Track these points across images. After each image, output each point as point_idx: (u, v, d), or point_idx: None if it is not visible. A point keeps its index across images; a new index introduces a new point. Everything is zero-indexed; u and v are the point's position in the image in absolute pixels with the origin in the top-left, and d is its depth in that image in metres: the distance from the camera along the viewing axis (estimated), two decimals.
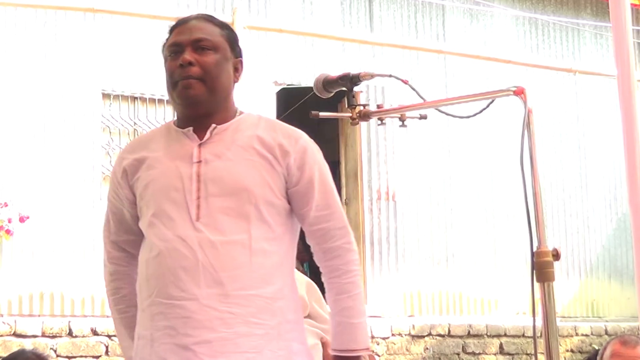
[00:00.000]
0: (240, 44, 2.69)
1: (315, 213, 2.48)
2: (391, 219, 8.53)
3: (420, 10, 8.99)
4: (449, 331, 8.13)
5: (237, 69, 2.59)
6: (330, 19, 8.56)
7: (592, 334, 8.85)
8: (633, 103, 2.30)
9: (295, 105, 8.48)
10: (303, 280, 2.93)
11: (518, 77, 8.96)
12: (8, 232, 6.87)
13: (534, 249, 2.18)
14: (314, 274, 9.42)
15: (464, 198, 8.88)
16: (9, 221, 6.88)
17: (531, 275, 2.18)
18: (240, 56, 2.62)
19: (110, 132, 7.54)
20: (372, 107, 2.70)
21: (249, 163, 2.44)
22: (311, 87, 2.77)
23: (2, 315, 6.82)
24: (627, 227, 9.12)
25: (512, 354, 8.38)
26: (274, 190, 2.44)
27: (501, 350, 8.34)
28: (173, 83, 2.48)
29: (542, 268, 2.17)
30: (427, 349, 8.00)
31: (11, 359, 3.72)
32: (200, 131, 2.49)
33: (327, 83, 2.73)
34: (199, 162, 2.44)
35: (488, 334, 8.31)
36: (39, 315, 6.97)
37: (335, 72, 2.79)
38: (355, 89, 2.69)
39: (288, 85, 8.29)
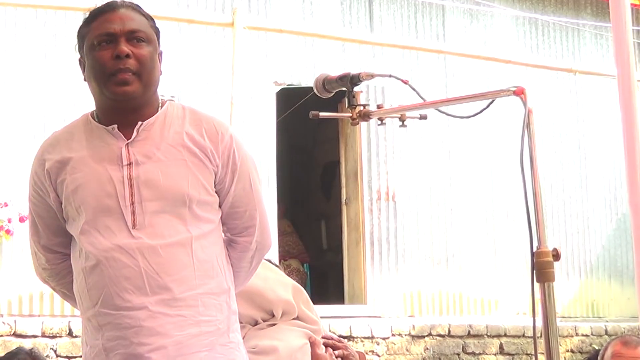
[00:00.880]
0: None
1: (230, 210, 2.49)
2: (391, 219, 8.53)
3: (420, 10, 8.99)
4: (449, 331, 8.13)
5: (160, 61, 2.50)
6: (330, 19, 8.55)
7: (592, 334, 8.85)
8: (633, 103, 2.30)
9: (295, 106, 8.48)
10: (289, 283, 2.93)
11: (518, 77, 8.95)
12: (8, 232, 6.87)
13: (534, 249, 2.18)
14: (314, 274, 9.43)
15: (464, 198, 8.88)
16: (9, 221, 6.88)
17: (531, 275, 2.18)
18: (160, 45, 2.51)
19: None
20: (372, 107, 2.71)
21: (181, 163, 2.38)
22: (311, 87, 2.78)
23: (2, 315, 6.82)
24: (627, 227, 9.12)
25: (512, 354, 8.37)
26: (207, 189, 2.41)
27: (501, 351, 8.33)
28: (106, 75, 2.37)
29: (542, 268, 2.17)
30: (427, 349, 8.00)
31: (6, 359, 3.71)
32: (124, 128, 2.40)
33: (327, 83, 2.73)
34: (129, 164, 2.37)
35: (488, 334, 8.31)
36: (39, 315, 6.97)
37: (335, 72, 2.79)
38: (355, 89, 2.69)
39: (288, 85, 8.28)
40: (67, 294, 2.59)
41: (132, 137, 2.38)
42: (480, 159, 8.98)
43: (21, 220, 6.91)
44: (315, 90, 2.76)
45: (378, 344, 7.76)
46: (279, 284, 2.91)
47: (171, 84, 7.74)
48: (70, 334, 6.67)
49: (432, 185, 8.76)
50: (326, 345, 2.94)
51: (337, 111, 7.65)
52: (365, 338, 7.71)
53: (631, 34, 2.35)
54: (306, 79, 8.16)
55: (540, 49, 9.59)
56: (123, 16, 2.40)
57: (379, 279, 8.39)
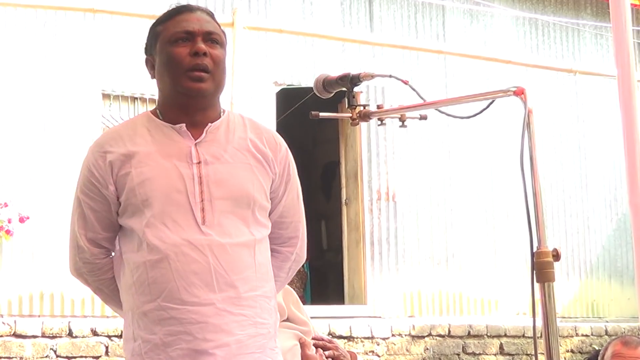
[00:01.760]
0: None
1: (278, 219, 2.56)
2: (391, 219, 8.53)
3: (420, 10, 8.99)
4: (449, 331, 8.13)
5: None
6: (330, 19, 8.55)
7: (592, 334, 8.85)
8: (633, 103, 2.30)
9: (296, 106, 8.48)
10: None
11: (518, 77, 8.96)
12: (8, 232, 6.87)
13: (534, 250, 2.18)
14: (314, 274, 9.44)
15: (464, 198, 8.88)
16: (9, 221, 6.88)
17: (531, 275, 2.18)
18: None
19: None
20: (372, 108, 2.70)
21: (247, 167, 2.45)
22: (311, 88, 2.77)
23: (2, 316, 6.82)
24: (627, 228, 9.12)
25: (512, 355, 8.37)
26: (266, 194, 2.48)
27: (501, 351, 8.33)
28: (182, 70, 2.41)
29: (542, 268, 2.17)
30: (427, 349, 8.00)
31: None
32: (191, 127, 2.44)
33: (327, 83, 2.72)
34: (199, 162, 2.41)
35: (488, 334, 8.31)
36: (39, 316, 6.97)
37: (335, 72, 2.79)
38: (355, 89, 2.69)
39: (288, 85, 8.28)
40: (104, 290, 2.57)
41: (201, 137, 2.43)
42: (480, 159, 8.99)
43: (21, 220, 6.91)
44: (315, 91, 2.76)
45: (378, 344, 7.76)
46: None
47: None
48: (70, 334, 6.67)
49: (432, 185, 8.76)
50: (316, 346, 2.95)
51: (337, 111, 7.66)
52: (365, 338, 7.71)
53: (631, 34, 2.35)
54: (306, 79, 8.16)
55: (540, 49, 9.59)
56: (200, 18, 2.47)
57: (379, 279, 8.39)
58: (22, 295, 7.01)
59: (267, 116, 8.00)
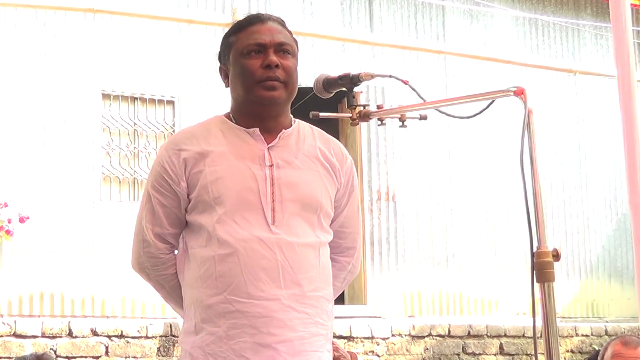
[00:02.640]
0: None
1: (338, 228, 2.63)
2: (391, 219, 8.53)
3: (420, 11, 8.99)
4: (449, 331, 8.13)
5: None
6: (330, 19, 8.56)
7: (592, 334, 8.85)
8: (633, 103, 2.30)
9: (296, 106, 8.47)
10: None
11: (518, 77, 8.96)
12: (8, 232, 6.87)
13: (534, 249, 2.18)
14: None
15: (464, 198, 8.88)
16: (9, 221, 6.88)
17: (531, 275, 2.18)
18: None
19: (110, 133, 7.54)
20: (372, 108, 2.70)
21: (316, 174, 2.54)
22: (311, 87, 2.78)
23: (2, 316, 6.82)
24: (627, 227, 9.12)
25: (512, 355, 8.37)
26: (332, 202, 2.57)
27: (501, 351, 8.34)
28: (254, 81, 2.48)
29: (542, 268, 2.17)
30: (427, 349, 8.00)
31: None
32: (264, 133, 2.52)
33: (327, 83, 2.73)
34: (271, 165, 2.49)
35: (488, 334, 8.31)
36: (39, 316, 6.97)
37: (335, 72, 2.79)
38: (355, 89, 2.69)
39: None
40: (164, 285, 2.61)
41: (275, 142, 2.52)
42: (480, 159, 8.99)
43: (21, 220, 6.91)
44: (315, 91, 2.76)
45: (378, 344, 7.76)
46: None
47: (171, 84, 7.74)
48: (70, 334, 6.67)
49: (432, 185, 8.76)
50: None
51: (337, 111, 7.65)
52: (365, 338, 7.71)
53: (631, 34, 2.35)
54: (306, 79, 8.15)
55: (540, 49, 9.59)
56: (272, 29, 2.54)
57: (379, 279, 8.39)
58: (22, 295, 7.01)
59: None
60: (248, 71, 2.49)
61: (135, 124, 7.63)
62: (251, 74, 2.48)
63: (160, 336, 6.95)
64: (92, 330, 6.75)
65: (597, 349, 7.50)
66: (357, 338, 7.66)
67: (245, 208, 2.45)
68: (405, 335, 7.93)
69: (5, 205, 6.88)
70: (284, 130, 2.54)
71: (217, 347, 2.42)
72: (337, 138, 8.85)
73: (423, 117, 2.72)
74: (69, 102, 7.37)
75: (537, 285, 2.17)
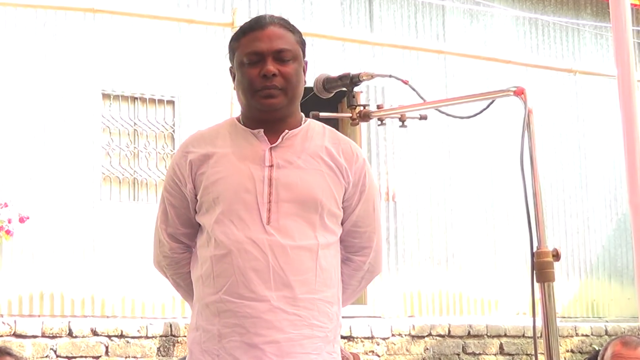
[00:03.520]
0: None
1: (351, 228, 2.62)
2: (391, 219, 8.53)
3: (420, 10, 8.99)
4: (449, 331, 8.13)
5: (305, 72, 2.64)
6: (330, 19, 8.56)
7: (592, 334, 8.85)
8: (633, 103, 2.30)
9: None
10: None
11: (518, 77, 8.96)
12: (8, 232, 6.87)
13: (534, 249, 2.18)
14: None
15: (464, 198, 8.88)
16: (9, 221, 6.88)
17: (531, 275, 2.18)
18: (305, 56, 2.65)
19: (110, 133, 7.54)
20: (372, 108, 2.71)
21: (319, 173, 2.53)
22: (311, 87, 2.78)
23: (2, 316, 6.82)
24: (627, 227, 9.12)
25: (512, 355, 8.37)
26: (337, 202, 2.55)
27: (501, 351, 8.34)
28: (253, 90, 2.51)
29: (542, 268, 2.17)
30: (427, 349, 8.00)
31: None
32: (269, 133, 2.54)
33: (327, 83, 2.73)
34: (271, 166, 2.51)
35: (488, 334, 8.31)
36: (39, 316, 6.97)
37: (335, 72, 2.79)
38: (356, 89, 2.69)
39: None
40: (180, 284, 2.69)
41: (277, 143, 2.53)
42: (480, 159, 8.99)
43: (21, 220, 6.91)
44: (315, 90, 2.76)
45: (378, 344, 7.76)
46: None
47: (171, 84, 7.74)
48: (70, 334, 6.67)
49: (432, 185, 8.76)
50: None
51: (337, 111, 7.65)
52: (365, 338, 7.71)
53: (631, 34, 2.35)
54: (306, 79, 8.15)
55: (540, 49, 9.59)
56: (271, 35, 2.53)
57: (379, 279, 8.39)
58: (22, 295, 7.01)
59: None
60: (247, 80, 2.52)
61: (135, 124, 7.63)
62: (250, 83, 2.51)
63: (160, 336, 6.95)
64: (92, 330, 6.75)
65: (597, 349, 7.50)
66: (357, 338, 7.66)
67: (241, 208, 2.48)
68: (405, 335, 7.93)
69: (5, 205, 6.88)
70: (287, 130, 2.55)
71: (211, 345, 2.47)
72: None
73: (423, 117, 2.72)
74: (69, 102, 7.36)
75: (537, 285, 2.17)
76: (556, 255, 2.17)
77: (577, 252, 9.46)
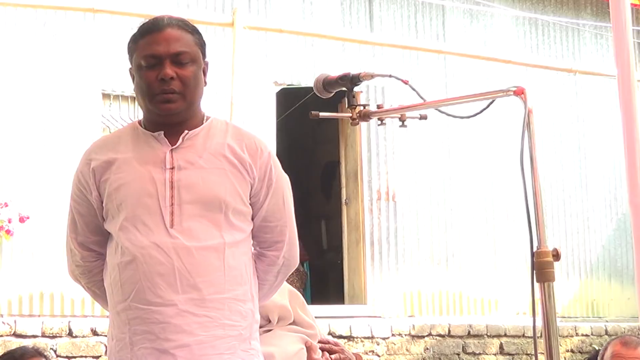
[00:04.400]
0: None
1: (261, 223, 2.58)
2: (391, 219, 8.53)
3: (420, 10, 8.99)
4: (449, 331, 8.13)
5: (205, 73, 2.62)
6: (330, 19, 8.55)
7: (592, 334, 8.85)
8: (633, 103, 2.30)
9: (295, 106, 8.48)
10: (285, 288, 2.94)
11: (518, 77, 8.96)
12: (8, 232, 6.87)
13: (534, 249, 2.18)
14: (314, 274, 9.42)
15: (464, 198, 8.88)
16: (9, 221, 6.88)
17: (531, 275, 2.18)
18: (206, 57, 2.64)
19: (110, 132, 7.53)
20: (372, 107, 2.71)
21: (221, 172, 2.50)
22: (311, 87, 2.78)
23: (2, 316, 6.82)
24: (627, 227, 9.12)
25: (512, 354, 8.37)
26: (243, 199, 2.52)
27: (501, 351, 8.34)
28: (151, 95, 2.48)
29: (542, 268, 2.17)
30: (427, 349, 8.00)
31: (8, 354, 3.72)
32: (170, 135, 2.52)
33: (327, 83, 2.73)
34: (172, 168, 2.48)
35: (488, 334, 8.31)
36: (39, 316, 6.97)
37: (335, 72, 2.79)
38: (355, 89, 2.70)
39: (288, 85, 8.28)
40: (97, 292, 2.68)
41: (177, 144, 2.50)
42: (480, 159, 8.98)
43: (21, 220, 6.91)
44: (315, 91, 2.76)
45: (378, 344, 7.76)
46: None
47: None
48: (70, 334, 6.67)
49: (432, 185, 8.76)
50: (322, 349, 2.95)
51: (337, 111, 7.65)
52: (365, 338, 7.71)
53: (631, 34, 2.35)
54: (306, 79, 8.16)
55: (540, 49, 9.59)
56: (169, 37, 2.51)
57: (379, 279, 8.39)
58: (22, 295, 7.01)
59: (267, 116, 8.00)
60: (145, 84, 2.48)
61: None
62: (148, 87, 2.48)
63: None
64: (92, 330, 6.75)
65: (597, 349, 7.50)
66: (357, 338, 7.66)
67: (144, 213, 2.45)
68: (405, 335, 7.93)
69: (5, 205, 6.88)
70: (187, 131, 2.52)
71: (124, 354, 2.45)
72: (337, 138, 8.92)
73: (423, 117, 2.72)
74: (69, 102, 7.36)
75: (537, 285, 2.17)
76: (556, 255, 2.17)
77: (577, 252, 9.46)
